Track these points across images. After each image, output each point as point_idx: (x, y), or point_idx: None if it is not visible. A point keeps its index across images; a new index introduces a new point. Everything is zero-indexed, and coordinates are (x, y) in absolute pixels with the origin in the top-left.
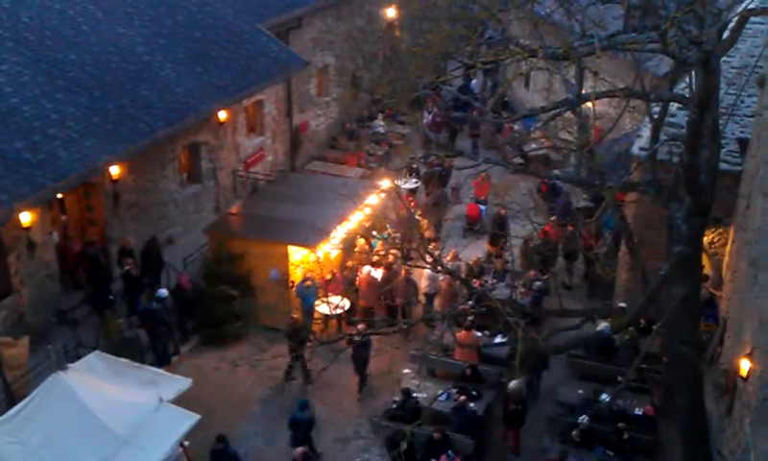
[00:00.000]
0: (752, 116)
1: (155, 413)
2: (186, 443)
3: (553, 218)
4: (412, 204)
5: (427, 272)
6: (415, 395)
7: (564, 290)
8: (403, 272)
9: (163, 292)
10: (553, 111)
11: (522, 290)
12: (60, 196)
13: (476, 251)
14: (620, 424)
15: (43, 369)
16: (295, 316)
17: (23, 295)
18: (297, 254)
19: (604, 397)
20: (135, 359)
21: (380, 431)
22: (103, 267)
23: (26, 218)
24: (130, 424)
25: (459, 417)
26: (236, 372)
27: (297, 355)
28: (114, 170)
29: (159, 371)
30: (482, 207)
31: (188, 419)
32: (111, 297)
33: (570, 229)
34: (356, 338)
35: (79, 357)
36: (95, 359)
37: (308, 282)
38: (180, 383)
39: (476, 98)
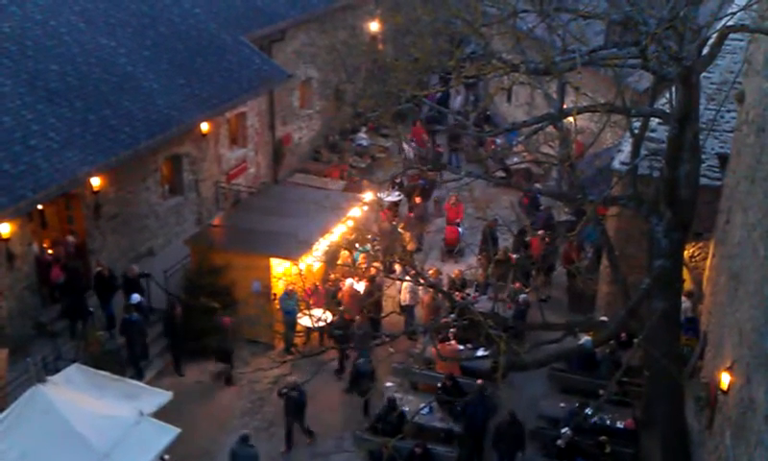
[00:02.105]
0: (731, 132)
1: (135, 427)
2: (167, 457)
3: (540, 232)
4: (394, 216)
5: (408, 284)
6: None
7: (542, 302)
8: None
9: (135, 297)
10: (535, 126)
11: (506, 303)
12: (40, 207)
13: (458, 266)
14: (602, 438)
15: (22, 382)
16: (347, 316)
17: (2, 307)
18: (279, 267)
19: (588, 410)
20: (116, 372)
21: (363, 445)
22: (82, 278)
23: (5, 229)
24: (109, 438)
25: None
26: (217, 385)
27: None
28: (95, 181)
29: (140, 384)
30: (459, 229)
31: (169, 433)
32: (92, 309)
33: (547, 241)
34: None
35: (58, 370)
36: (75, 372)
37: (290, 293)
38: (161, 397)
39: (459, 112)
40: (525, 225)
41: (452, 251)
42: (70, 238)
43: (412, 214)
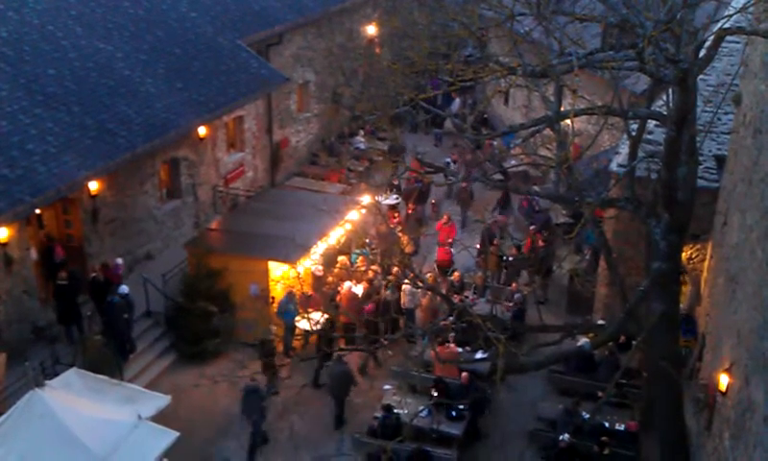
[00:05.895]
0: (728, 134)
1: (133, 430)
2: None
3: (531, 228)
4: (392, 220)
5: (406, 287)
6: (396, 411)
7: (541, 304)
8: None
9: (124, 288)
10: (532, 128)
11: (504, 305)
12: (38, 211)
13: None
14: (603, 438)
15: (20, 386)
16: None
17: (0, 311)
18: (277, 270)
19: (584, 415)
20: (114, 376)
21: (362, 448)
22: (81, 282)
23: (3, 234)
24: (108, 442)
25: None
26: (215, 388)
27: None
28: (93, 185)
29: (138, 388)
30: (452, 250)
31: (167, 436)
32: (89, 313)
33: (541, 244)
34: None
35: (56, 374)
36: (73, 376)
37: (290, 296)
38: (159, 400)
39: (456, 115)
40: (504, 215)
41: (445, 273)
42: (119, 260)
43: (409, 212)
